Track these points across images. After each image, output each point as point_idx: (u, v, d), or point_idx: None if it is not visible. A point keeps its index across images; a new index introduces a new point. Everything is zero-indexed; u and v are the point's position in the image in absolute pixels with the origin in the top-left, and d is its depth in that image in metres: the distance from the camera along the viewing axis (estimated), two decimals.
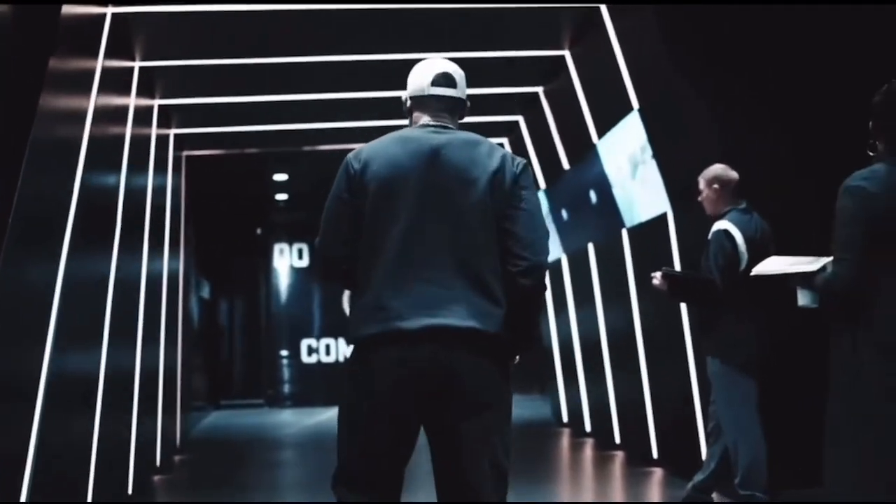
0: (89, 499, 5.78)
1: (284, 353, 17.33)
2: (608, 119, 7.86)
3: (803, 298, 4.49)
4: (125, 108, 7.40)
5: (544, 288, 3.02)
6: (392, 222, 2.94)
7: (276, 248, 17.56)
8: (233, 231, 16.94)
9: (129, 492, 7.21)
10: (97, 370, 6.20)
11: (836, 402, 3.56)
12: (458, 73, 3.17)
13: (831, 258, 3.58)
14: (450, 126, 3.10)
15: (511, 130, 11.13)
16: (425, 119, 3.11)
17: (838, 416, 3.53)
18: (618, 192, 8.11)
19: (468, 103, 3.20)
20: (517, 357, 3.11)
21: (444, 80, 3.12)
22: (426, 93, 3.12)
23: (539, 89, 9.54)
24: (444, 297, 2.89)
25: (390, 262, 2.92)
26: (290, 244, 17.52)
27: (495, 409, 2.93)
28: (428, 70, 3.14)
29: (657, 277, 5.51)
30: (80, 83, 5.83)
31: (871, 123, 3.59)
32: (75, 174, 5.52)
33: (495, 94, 9.65)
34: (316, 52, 8.22)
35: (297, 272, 17.33)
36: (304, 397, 16.61)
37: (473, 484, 2.90)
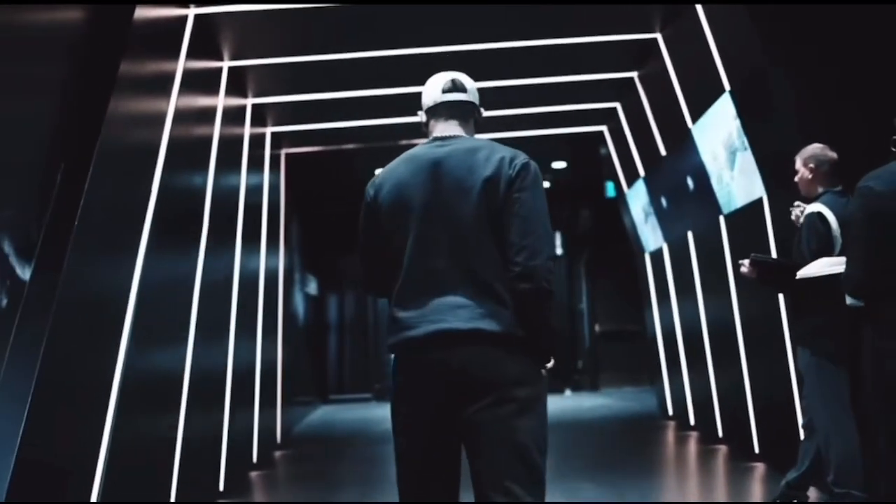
0: (173, 496, 5.84)
1: (391, 331, 17.34)
2: (702, 102, 7.58)
3: (850, 297, 4.51)
4: (213, 109, 7.47)
5: (543, 291, 3.00)
6: (404, 239, 3.08)
7: None
8: (339, 228, 17.03)
9: (221, 488, 7.27)
10: (182, 367, 6.27)
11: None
12: (467, 80, 3.29)
13: None
14: (460, 134, 3.21)
15: (609, 117, 10.88)
16: (437, 130, 3.22)
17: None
18: (714, 178, 7.82)
19: (482, 109, 3.31)
20: (545, 359, 3.13)
21: (454, 86, 3.25)
22: (438, 101, 3.24)
23: (634, 74, 9.29)
24: (449, 304, 3.01)
25: (403, 277, 3.08)
26: None
27: (517, 403, 2.97)
28: (438, 80, 3.28)
29: (745, 265, 5.27)
30: (159, 85, 5.89)
31: (894, 121, 3.58)
32: (153, 175, 5.58)
33: (591, 81, 9.43)
34: (409, 44, 8.16)
35: None
36: None
37: (497, 475, 2.96)
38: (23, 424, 3.73)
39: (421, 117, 3.29)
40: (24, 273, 4.02)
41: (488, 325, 2.97)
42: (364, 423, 13.31)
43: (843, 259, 4.72)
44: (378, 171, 3.26)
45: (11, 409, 3.78)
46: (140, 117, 5.50)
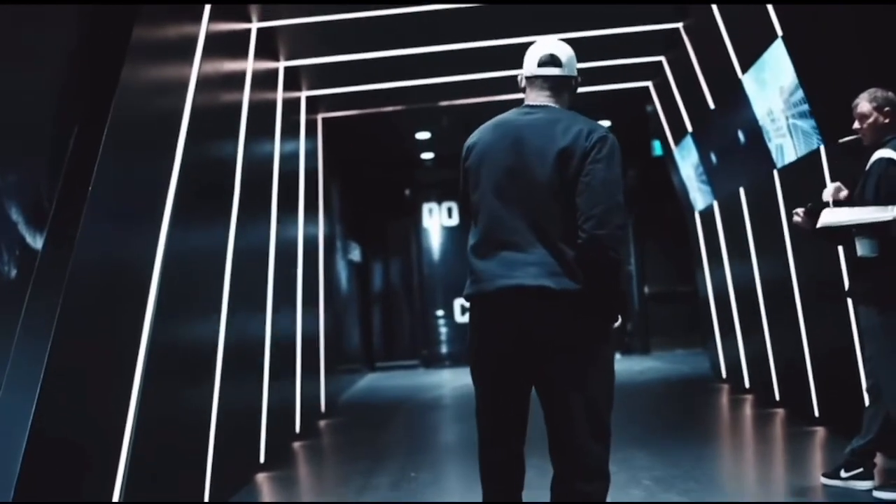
0: (209, 471, 5.67)
1: (439, 312, 17.21)
2: (753, 50, 7.18)
3: (863, 248, 4.34)
4: (242, 73, 7.23)
5: (608, 259, 3.18)
6: (485, 199, 3.37)
7: (426, 207, 17.39)
8: (381, 193, 16.85)
9: (262, 460, 7.10)
10: (216, 339, 6.08)
11: None
12: (565, 53, 3.47)
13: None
14: (548, 104, 3.42)
15: (655, 72, 10.48)
16: (529, 98, 3.47)
17: None
18: (767, 130, 7.44)
19: (578, 79, 3.50)
20: (611, 319, 3.33)
21: (551, 60, 3.44)
22: (534, 73, 3.45)
23: (679, 25, 8.89)
24: (520, 260, 3.26)
25: (481, 234, 3.37)
26: (440, 203, 17.32)
27: (579, 356, 3.24)
28: (536, 51, 3.47)
29: (800, 214, 4.95)
30: (180, 50, 5.65)
31: None
32: (176, 143, 5.36)
33: (635, 34, 9.04)
34: None
35: (447, 231, 17.14)
36: (460, 357, 16.43)
37: (564, 429, 3.28)
38: (36, 396, 3.54)
39: (520, 82, 3.51)
40: (36, 242, 3.83)
41: (555, 282, 3.20)
42: (411, 390, 13.14)
43: (863, 209, 4.47)
44: (471, 135, 3.52)
45: (25, 381, 3.59)
46: (159, 83, 5.26)
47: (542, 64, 3.44)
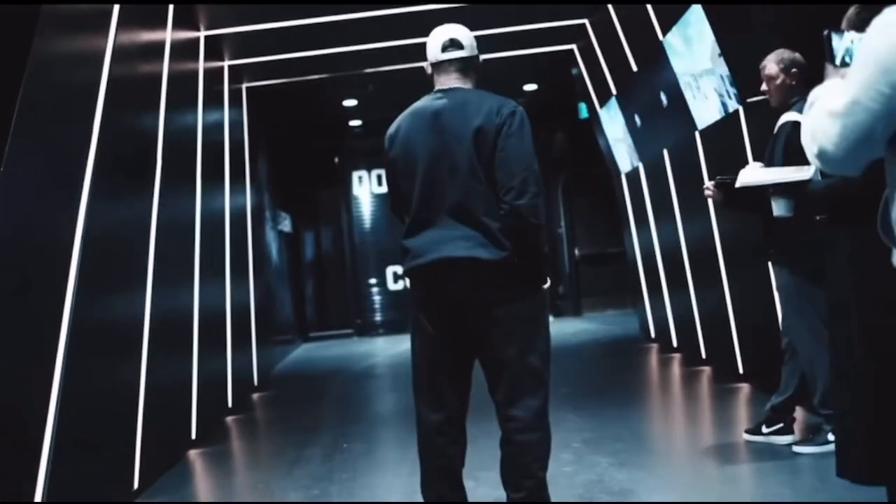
0: (138, 447, 5.62)
1: (372, 281, 17.19)
2: (674, 13, 7.24)
3: (779, 208, 4.38)
4: (161, 44, 7.09)
5: (530, 226, 3.41)
6: (412, 183, 3.54)
7: (355, 175, 17.29)
8: (310, 162, 16.71)
9: (193, 436, 7.06)
10: (141, 313, 6.00)
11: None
12: (465, 35, 3.64)
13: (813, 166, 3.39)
14: (458, 86, 3.59)
15: (579, 35, 10.52)
16: (438, 83, 3.64)
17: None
18: (687, 92, 7.52)
19: (479, 59, 3.69)
20: (540, 281, 3.58)
21: (452, 44, 3.60)
22: (439, 58, 3.61)
23: None
24: (448, 237, 3.46)
25: (412, 216, 3.56)
26: (369, 171, 17.22)
27: (513, 319, 3.45)
28: (438, 38, 3.63)
29: (710, 188, 5.02)
30: (93, 23, 5.52)
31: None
32: (92, 118, 5.24)
33: None
34: None
35: (378, 198, 17.04)
36: (394, 325, 16.46)
37: (504, 383, 3.50)
38: None
39: (427, 69, 3.67)
40: None
41: (483, 253, 3.40)
42: (344, 359, 13.14)
43: (780, 168, 4.51)
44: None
45: None
46: (72, 55, 5.14)
47: (444, 49, 3.60)
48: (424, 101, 3.63)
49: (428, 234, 3.50)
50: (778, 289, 5.15)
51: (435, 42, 3.63)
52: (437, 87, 3.64)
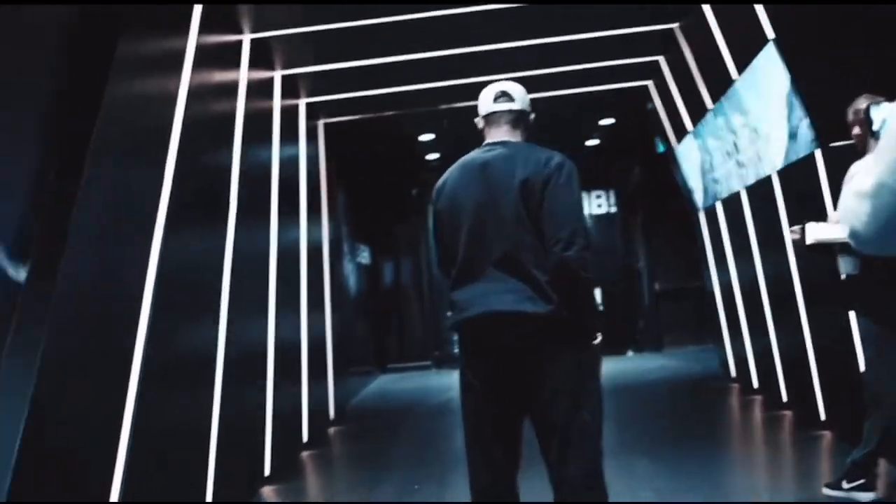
0: (210, 486, 5.64)
1: (450, 313, 17.11)
2: (747, 52, 7.10)
3: (845, 266, 4.27)
4: (235, 84, 7.19)
5: (578, 277, 3.33)
6: (459, 235, 3.51)
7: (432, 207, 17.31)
8: (388, 195, 16.82)
9: (266, 473, 7.08)
10: (214, 348, 6.05)
11: None
12: (517, 89, 3.68)
13: None
14: (508, 140, 3.60)
15: (654, 72, 10.40)
16: (489, 136, 3.65)
17: None
18: (763, 132, 7.36)
19: (531, 116, 3.70)
20: (590, 335, 3.46)
21: (503, 95, 3.64)
22: (490, 110, 3.65)
23: (675, 25, 8.81)
24: (495, 289, 3.39)
25: (458, 267, 3.51)
26: None
27: (564, 378, 3.35)
28: (490, 91, 3.68)
29: (796, 231, 4.88)
30: (167, 63, 5.62)
31: None
32: (165, 158, 5.33)
33: (633, 34, 8.97)
34: (443, 4, 7.79)
35: None
36: None
37: (555, 444, 3.38)
38: (24, 416, 3.52)
39: (479, 123, 3.70)
40: (19, 274, 3.79)
41: (530, 306, 3.32)
42: (423, 392, 13.11)
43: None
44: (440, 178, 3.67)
45: (12, 408, 3.57)
46: (146, 97, 5.23)
47: (496, 99, 3.64)
48: (473, 154, 3.62)
49: (475, 286, 3.43)
50: (861, 338, 4.97)
51: (487, 94, 3.67)
52: (487, 139, 3.65)
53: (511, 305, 3.34)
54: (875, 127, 2.40)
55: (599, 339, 3.48)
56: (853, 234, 2.04)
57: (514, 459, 3.51)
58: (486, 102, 3.66)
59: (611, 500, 3.46)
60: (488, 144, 3.62)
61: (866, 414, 5.00)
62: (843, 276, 4.41)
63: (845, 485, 5.03)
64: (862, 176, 2.04)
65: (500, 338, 3.37)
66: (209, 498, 5.62)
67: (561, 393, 3.36)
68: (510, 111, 3.63)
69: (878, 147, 2.06)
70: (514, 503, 3.54)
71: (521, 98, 3.66)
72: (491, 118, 3.64)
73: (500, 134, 3.62)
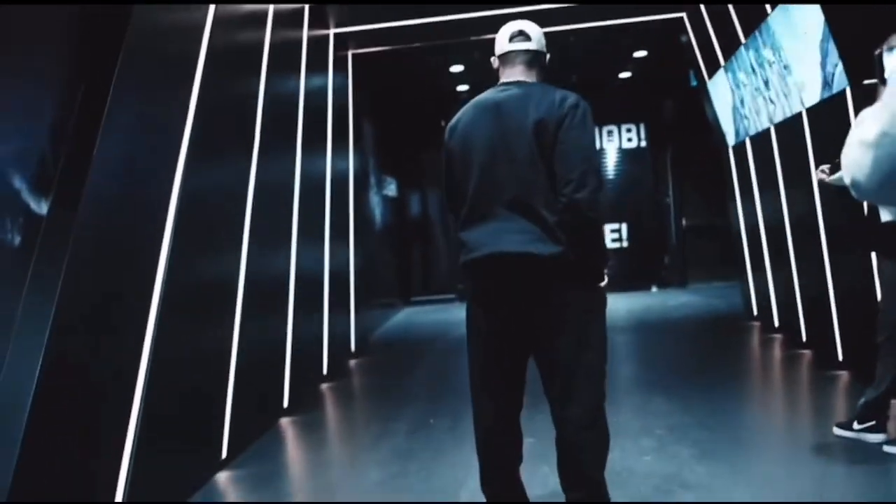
0: (227, 416, 5.76)
1: (460, 253, 17.12)
2: None
3: (890, 213, 4.22)
4: (263, 13, 7.16)
5: (588, 220, 3.31)
6: (469, 175, 3.49)
7: None
8: (417, 126, 16.75)
9: (285, 404, 7.20)
10: (235, 277, 6.12)
11: None
12: (534, 30, 3.66)
13: None
14: (523, 80, 3.56)
15: (688, 3, 10.23)
16: (504, 76, 3.62)
17: None
18: (794, 69, 7.26)
19: (546, 56, 3.67)
20: (597, 278, 3.48)
21: (520, 34, 3.62)
22: (506, 49, 3.62)
23: None
24: (504, 229, 3.39)
25: (468, 205, 3.49)
26: None
27: (570, 319, 3.38)
28: (506, 31, 3.65)
29: (825, 171, 4.86)
30: None
31: None
32: (191, 87, 5.34)
33: None
34: None
35: None
36: None
37: (558, 383, 3.43)
38: (43, 350, 3.61)
39: (494, 63, 3.67)
40: (41, 208, 3.84)
41: (539, 248, 3.32)
42: (444, 325, 13.18)
43: None
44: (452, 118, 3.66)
45: (33, 340, 3.65)
46: (171, 27, 5.23)
47: (512, 38, 3.61)
48: (487, 94, 3.59)
49: (484, 226, 3.42)
50: (880, 279, 4.96)
51: (503, 34, 3.64)
52: (502, 79, 3.61)
53: (520, 246, 3.33)
54: (886, 74, 2.35)
55: (605, 281, 3.50)
56: (854, 183, 2.02)
57: (517, 399, 3.57)
58: (501, 42, 3.63)
59: (623, 437, 3.52)
60: (503, 84, 3.59)
61: (878, 355, 5.01)
62: (883, 220, 4.36)
63: (856, 426, 5.06)
64: (868, 124, 2.02)
65: (508, 278, 3.38)
66: (227, 427, 5.73)
67: (567, 333, 3.38)
68: (526, 51, 3.59)
69: (886, 95, 2.03)
70: (518, 441, 3.60)
71: (537, 38, 3.64)
72: (506, 58, 3.61)
73: (515, 74, 3.58)
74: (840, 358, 7.18)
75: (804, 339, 8.35)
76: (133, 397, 4.47)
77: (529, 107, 3.41)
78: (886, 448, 4.82)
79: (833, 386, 6.81)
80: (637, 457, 4.98)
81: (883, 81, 2.36)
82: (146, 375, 4.54)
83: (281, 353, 7.26)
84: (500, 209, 3.40)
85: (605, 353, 3.49)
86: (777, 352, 8.67)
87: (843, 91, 6.30)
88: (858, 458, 4.81)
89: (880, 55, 3.08)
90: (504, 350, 3.50)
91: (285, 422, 6.93)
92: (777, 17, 7.29)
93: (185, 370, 5.18)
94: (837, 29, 6.16)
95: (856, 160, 1.99)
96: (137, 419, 4.44)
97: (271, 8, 7.31)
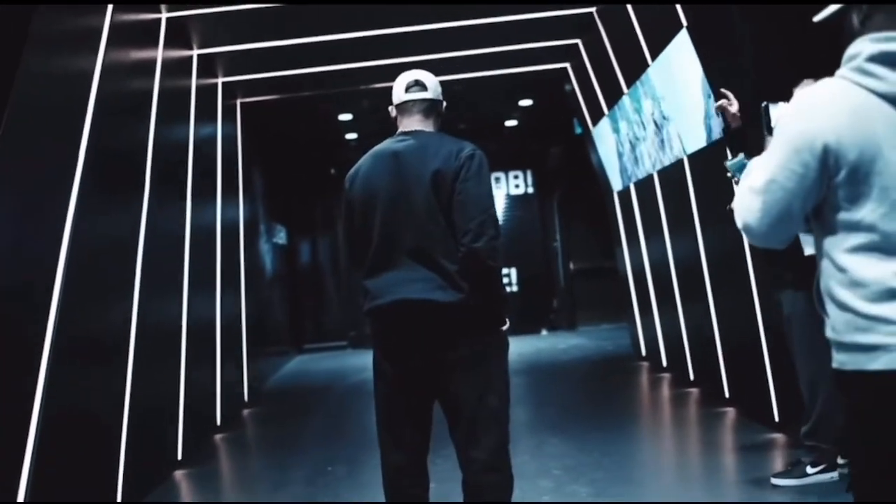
0: (121, 469, 5.63)
1: (363, 300, 17.10)
2: (661, 39, 7.28)
3: (810, 247, 4.36)
4: (152, 62, 7.12)
5: (487, 268, 3.42)
6: (372, 224, 3.55)
7: None
8: (307, 174, 16.75)
9: (179, 456, 7.06)
10: (127, 327, 6.01)
11: None
12: (430, 79, 3.72)
13: None
14: (420, 129, 3.64)
15: (572, 55, 10.56)
16: (401, 125, 3.68)
17: None
18: (673, 118, 7.55)
19: (443, 104, 3.75)
20: (498, 322, 3.56)
21: (416, 84, 3.68)
22: (403, 99, 3.68)
23: (593, 9, 8.95)
24: (406, 278, 3.47)
25: (371, 256, 3.56)
26: None
27: (469, 360, 3.46)
28: (402, 81, 3.71)
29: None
30: (83, 41, 5.55)
31: None
32: (80, 135, 5.27)
33: (552, 18, 9.10)
34: None
35: None
36: None
37: (463, 426, 3.51)
38: None
39: (392, 112, 3.73)
40: None
41: (440, 296, 3.42)
42: (338, 373, 13.11)
43: None
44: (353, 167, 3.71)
45: None
46: (60, 74, 5.17)
47: (408, 88, 3.67)
48: (385, 144, 3.65)
49: (388, 274, 3.49)
50: (787, 316, 5.03)
51: (400, 84, 3.70)
52: (400, 129, 3.68)
53: (422, 294, 3.42)
54: (773, 123, 2.52)
55: (507, 325, 3.58)
56: (746, 227, 2.18)
57: (424, 441, 3.63)
58: (398, 92, 3.69)
59: (522, 479, 3.57)
60: (401, 134, 3.65)
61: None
62: (807, 254, 4.47)
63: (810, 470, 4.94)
64: (756, 173, 2.19)
65: (411, 325, 3.46)
66: (120, 480, 5.60)
67: (470, 378, 3.46)
68: (423, 100, 3.66)
69: (771, 145, 2.20)
70: (424, 483, 3.64)
71: (433, 87, 3.70)
72: (403, 107, 3.67)
73: (412, 123, 3.65)
74: (727, 395, 7.41)
75: (692, 377, 8.60)
76: (24, 451, 4.34)
77: (427, 158, 3.49)
78: (774, 480, 4.96)
79: (720, 422, 7.03)
80: (536, 497, 5.05)
81: (770, 131, 2.53)
82: (37, 428, 4.42)
83: (174, 404, 7.14)
84: (402, 258, 3.48)
85: (507, 396, 3.58)
86: (666, 390, 8.91)
87: (722, 139, 6.57)
88: (748, 491, 4.96)
89: (766, 107, 3.25)
90: (409, 394, 3.56)
91: (179, 475, 6.79)
92: (656, 69, 7.58)
93: (77, 422, 5.06)
94: (713, 78, 6.44)
95: (747, 206, 2.16)
96: (29, 470, 4.32)
97: (160, 56, 7.27)
